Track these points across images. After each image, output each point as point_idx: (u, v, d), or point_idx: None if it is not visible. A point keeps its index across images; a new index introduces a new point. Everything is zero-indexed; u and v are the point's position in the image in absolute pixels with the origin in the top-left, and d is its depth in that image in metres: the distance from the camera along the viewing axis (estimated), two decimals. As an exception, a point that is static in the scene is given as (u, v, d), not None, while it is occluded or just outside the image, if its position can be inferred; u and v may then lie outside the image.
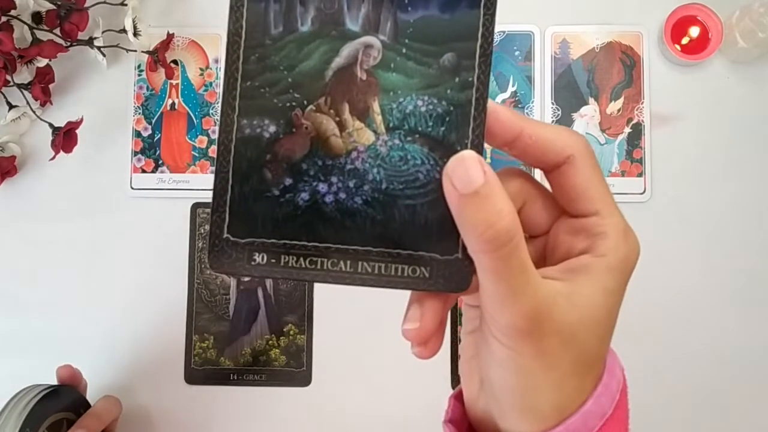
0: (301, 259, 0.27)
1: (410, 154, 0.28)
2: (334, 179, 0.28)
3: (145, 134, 0.69)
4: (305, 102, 0.28)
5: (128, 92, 0.70)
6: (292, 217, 0.27)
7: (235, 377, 0.67)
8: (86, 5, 0.65)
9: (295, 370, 0.66)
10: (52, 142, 0.64)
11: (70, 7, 0.64)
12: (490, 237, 0.25)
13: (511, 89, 0.68)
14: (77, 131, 0.65)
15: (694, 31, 0.67)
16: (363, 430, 0.66)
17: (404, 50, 0.28)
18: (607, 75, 0.68)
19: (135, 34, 0.66)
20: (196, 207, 0.69)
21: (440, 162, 0.27)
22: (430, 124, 0.27)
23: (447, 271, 0.27)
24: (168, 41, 0.67)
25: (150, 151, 0.69)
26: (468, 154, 0.26)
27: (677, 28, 0.67)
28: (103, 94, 0.70)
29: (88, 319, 0.67)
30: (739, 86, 0.68)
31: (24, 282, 0.68)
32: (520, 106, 0.68)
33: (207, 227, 0.68)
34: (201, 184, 0.68)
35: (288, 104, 0.28)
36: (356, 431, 0.66)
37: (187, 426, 0.66)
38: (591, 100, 0.68)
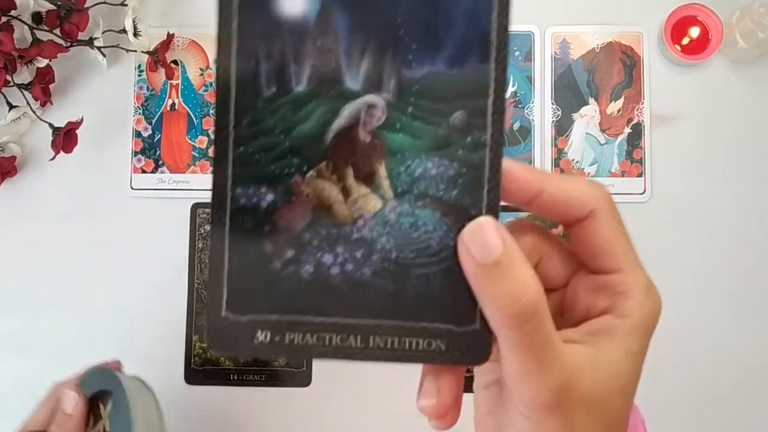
0: (308, 335, 0.25)
1: (421, 221, 0.26)
2: (339, 249, 0.26)
3: (145, 134, 0.69)
4: (305, 167, 0.25)
5: (128, 92, 0.70)
6: (296, 291, 0.25)
7: (235, 377, 0.67)
8: (86, 5, 0.65)
9: (295, 370, 0.66)
10: (52, 142, 0.64)
11: (70, 8, 0.64)
12: (516, 312, 0.24)
13: (511, 89, 0.68)
14: (77, 131, 0.65)
15: (694, 32, 0.67)
16: (363, 430, 0.66)
17: (410, 109, 0.26)
18: (607, 75, 0.68)
19: (135, 35, 0.66)
20: (196, 207, 0.69)
21: (454, 228, 0.25)
22: (442, 187, 0.26)
23: (465, 343, 0.25)
24: (168, 41, 0.67)
25: (150, 152, 0.69)
26: (485, 221, 0.25)
27: (677, 28, 0.67)
28: (103, 94, 0.70)
29: (87, 319, 0.67)
30: (739, 86, 0.68)
31: (24, 282, 0.67)
32: (520, 106, 0.68)
33: (207, 227, 0.68)
34: (201, 184, 0.68)
35: (286, 170, 0.25)
36: None
37: (187, 426, 0.66)
38: (591, 101, 0.68)
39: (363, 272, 0.25)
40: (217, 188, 0.25)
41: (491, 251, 0.24)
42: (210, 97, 0.69)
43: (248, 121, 0.25)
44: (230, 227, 0.25)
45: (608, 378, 0.25)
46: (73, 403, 0.39)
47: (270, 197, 0.25)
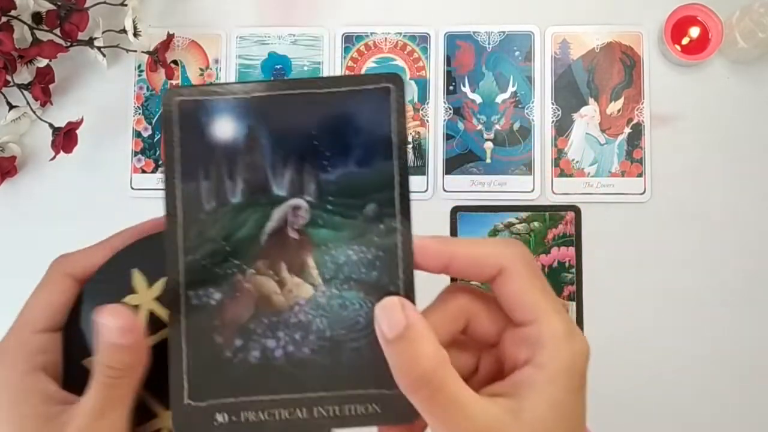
0: (260, 413, 0.29)
1: (348, 301, 0.29)
2: (281, 334, 0.29)
3: (145, 134, 0.69)
4: (245, 267, 0.29)
5: (128, 92, 0.70)
6: (246, 375, 0.29)
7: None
8: (86, 5, 0.65)
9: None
10: (52, 142, 0.64)
11: (70, 8, 0.64)
12: (412, 379, 0.27)
13: (511, 89, 0.68)
14: (77, 131, 0.65)
15: (694, 32, 0.67)
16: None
17: (329, 206, 0.29)
18: (607, 75, 0.68)
19: (135, 35, 0.66)
20: (196, 207, 0.69)
21: (376, 304, 0.29)
22: (363, 270, 0.29)
23: (397, 404, 0.28)
24: (168, 41, 0.67)
25: (150, 152, 0.69)
26: (389, 301, 0.28)
27: (677, 28, 0.67)
28: (103, 94, 0.70)
29: (88, 319, 0.67)
30: (739, 86, 0.68)
31: (24, 282, 0.67)
32: (520, 106, 0.68)
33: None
34: (201, 184, 0.68)
35: (229, 271, 0.29)
36: None
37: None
38: (591, 101, 0.68)
39: (303, 351, 0.29)
40: (172, 293, 0.30)
41: (394, 328, 0.27)
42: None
43: (194, 233, 0.30)
44: (185, 325, 0.29)
45: (532, 428, 0.27)
46: (123, 324, 0.30)
47: (217, 296, 0.29)
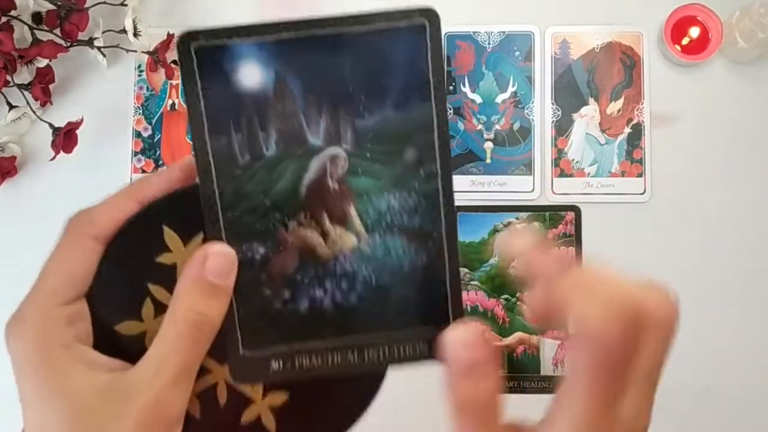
0: (313, 357, 0.29)
1: (392, 248, 0.29)
2: (327, 284, 0.29)
3: (145, 134, 0.69)
4: (287, 220, 0.29)
5: (128, 92, 0.70)
6: (297, 323, 0.29)
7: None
8: (86, 5, 0.65)
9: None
10: (52, 142, 0.64)
11: (70, 8, 0.64)
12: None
13: (511, 89, 0.68)
14: (77, 131, 0.65)
15: (694, 32, 0.67)
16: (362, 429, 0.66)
17: (368, 154, 0.29)
18: (607, 75, 0.68)
19: (135, 35, 0.66)
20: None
21: (420, 250, 0.29)
22: (405, 217, 0.29)
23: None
24: (168, 41, 0.67)
25: (150, 152, 0.69)
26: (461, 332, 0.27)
27: (677, 28, 0.67)
28: (103, 94, 0.70)
29: (88, 319, 0.67)
30: (739, 86, 0.68)
31: (24, 282, 0.67)
32: (520, 106, 0.68)
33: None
34: (201, 184, 0.68)
35: (271, 225, 0.29)
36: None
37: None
38: (591, 101, 0.68)
39: (350, 299, 0.29)
40: None
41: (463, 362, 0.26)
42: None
43: (231, 189, 0.29)
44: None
45: None
46: (228, 266, 0.29)
47: (261, 250, 0.29)
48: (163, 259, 0.31)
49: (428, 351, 0.29)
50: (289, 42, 0.28)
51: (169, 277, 0.30)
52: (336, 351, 0.29)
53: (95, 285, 0.31)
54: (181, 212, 0.31)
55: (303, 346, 0.29)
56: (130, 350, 0.30)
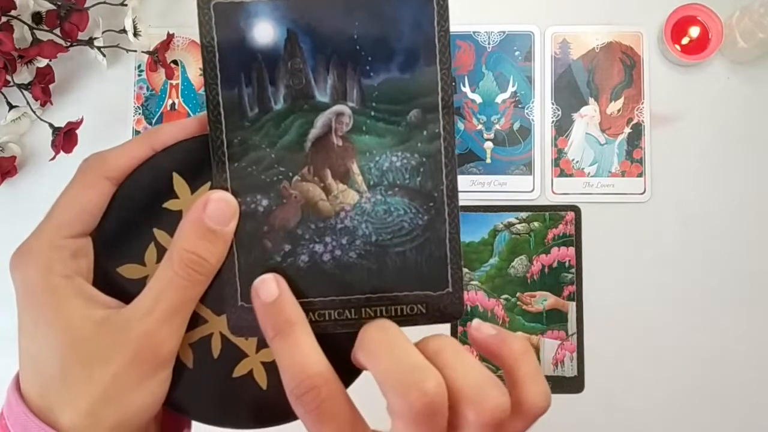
0: (310, 313, 0.29)
1: (393, 206, 0.30)
2: (328, 239, 0.30)
3: (145, 134, 0.69)
4: (290, 174, 0.30)
5: (128, 92, 0.70)
6: (296, 278, 0.30)
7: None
8: (86, 5, 0.65)
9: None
10: (52, 142, 0.64)
11: (70, 7, 0.64)
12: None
13: (511, 89, 0.68)
14: (77, 131, 0.65)
15: (694, 32, 0.67)
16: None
17: (373, 113, 0.29)
18: (607, 75, 0.68)
19: (135, 35, 0.66)
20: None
21: (421, 209, 0.30)
22: (407, 176, 0.30)
23: (441, 304, 0.30)
24: (168, 41, 0.67)
25: (150, 151, 0.69)
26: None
27: (677, 28, 0.67)
28: (103, 94, 0.70)
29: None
30: (739, 86, 0.68)
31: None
32: (520, 106, 0.68)
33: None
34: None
35: (275, 178, 0.30)
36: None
37: None
38: (591, 101, 0.68)
39: (350, 256, 0.30)
40: None
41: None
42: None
43: (239, 140, 0.29)
44: (235, 231, 0.30)
45: None
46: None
47: (265, 202, 0.30)
48: (170, 205, 0.31)
49: (425, 314, 0.30)
50: (302, 2, 0.29)
51: (174, 224, 0.30)
52: (333, 308, 0.30)
53: (102, 225, 0.32)
54: (191, 161, 0.31)
55: (301, 300, 0.29)
56: (128, 293, 0.30)
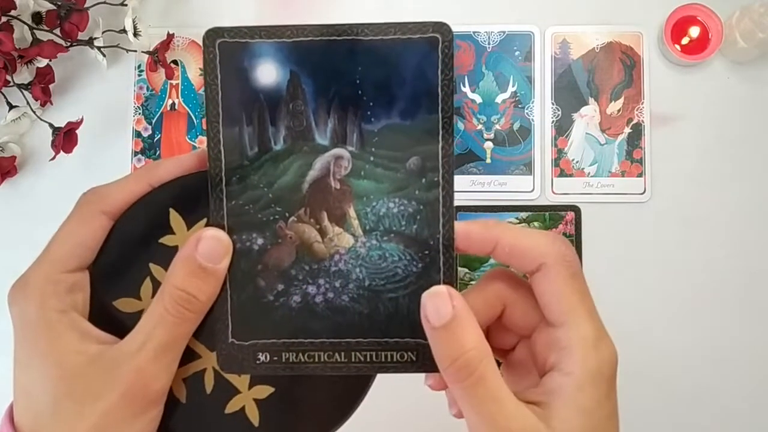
0: (300, 354, 0.30)
1: (388, 252, 0.30)
2: (321, 281, 0.30)
3: (145, 134, 0.69)
4: (287, 214, 0.30)
5: (128, 92, 0.70)
6: (287, 318, 0.30)
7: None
8: (86, 5, 0.65)
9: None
10: (52, 142, 0.64)
11: (70, 7, 0.64)
12: (453, 370, 0.27)
13: (511, 89, 0.68)
14: (77, 131, 0.65)
15: (694, 32, 0.67)
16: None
17: (372, 158, 0.30)
18: (607, 75, 0.68)
19: (135, 35, 0.66)
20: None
21: (416, 257, 0.30)
22: (403, 223, 0.30)
23: (431, 353, 0.29)
24: (168, 41, 0.67)
25: (150, 152, 0.69)
26: (437, 290, 0.28)
27: (677, 28, 0.67)
28: (103, 94, 0.70)
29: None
30: (739, 86, 0.68)
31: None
32: (520, 106, 0.68)
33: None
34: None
35: (272, 218, 0.30)
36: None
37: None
38: (591, 100, 0.68)
39: (342, 299, 0.30)
40: None
41: (441, 317, 0.27)
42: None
43: (237, 178, 0.30)
44: (230, 268, 0.30)
45: None
46: (220, 251, 0.29)
47: (260, 241, 0.30)
48: (167, 240, 0.32)
49: (416, 362, 0.30)
50: (306, 45, 0.29)
51: (170, 259, 0.30)
52: (323, 350, 0.30)
53: (99, 259, 0.32)
54: (188, 197, 0.31)
55: (291, 341, 0.30)
56: (124, 327, 0.30)
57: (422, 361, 0.30)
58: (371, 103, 0.29)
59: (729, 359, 0.65)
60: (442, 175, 0.30)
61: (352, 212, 0.30)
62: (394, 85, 0.29)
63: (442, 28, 0.29)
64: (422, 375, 0.31)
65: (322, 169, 0.30)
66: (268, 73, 0.30)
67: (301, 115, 0.30)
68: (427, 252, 0.30)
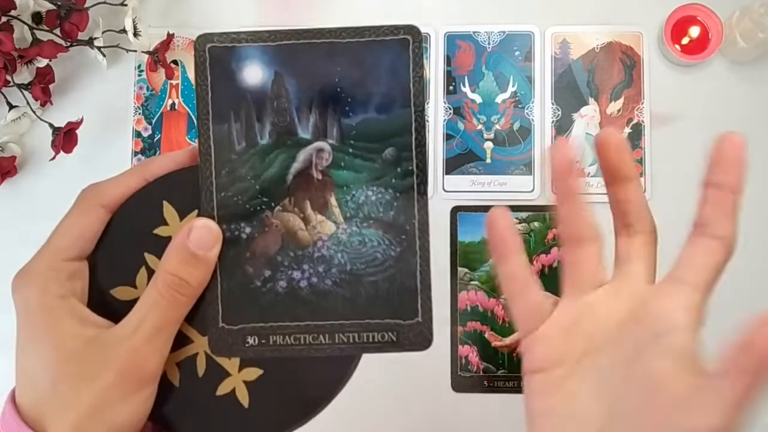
0: (287, 337, 0.31)
1: (367, 238, 0.32)
2: (305, 267, 0.32)
3: (145, 134, 0.69)
4: (273, 204, 0.32)
5: (128, 92, 0.70)
6: (274, 302, 0.32)
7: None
8: (86, 5, 0.65)
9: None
10: (52, 142, 0.64)
11: (70, 7, 0.64)
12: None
13: (511, 89, 0.68)
14: (77, 131, 0.65)
15: (694, 32, 0.67)
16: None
17: (351, 150, 0.32)
18: (607, 75, 0.68)
19: (135, 35, 0.66)
20: (196, 207, 0.69)
21: (394, 242, 0.31)
22: (381, 210, 0.32)
23: (411, 333, 0.31)
24: (168, 41, 0.67)
25: (150, 152, 0.69)
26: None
27: (677, 28, 0.67)
28: (103, 94, 0.70)
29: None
30: (739, 86, 0.68)
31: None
32: (520, 106, 0.68)
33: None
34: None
35: (258, 208, 0.32)
36: None
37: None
38: (591, 101, 0.68)
39: (325, 283, 0.31)
40: None
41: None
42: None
43: (226, 171, 0.32)
44: (220, 256, 0.32)
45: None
46: (210, 240, 0.31)
47: (248, 230, 0.32)
48: (161, 231, 0.33)
49: (396, 342, 0.31)
50: (289, 47, 0.32)
51: (164, 249, 0.32)
52: (308, 332, 0.31)
53: (97, 249, 0.33)
54: (181, 190, 0.33)
55: (278, 324, 0.31)
56: (120, 313, 0.32)
57: (402, 341, 0.31)
58: (349, 100, 0.32)
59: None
60: (416, 164, 0.31)
61: (333, 201, 0.32)
62: (370, 83, 0.32)
63: (412, 30, 0.31)
64: (405, 355, 0.32)
65: (304, 162, 0.32)
66: (254, 74, 0.32)
67: (285, 111, 0.32)
68: (404, 236, 0.31)
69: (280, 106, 0.32)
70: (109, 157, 0.69)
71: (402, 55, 0.31)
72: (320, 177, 0.32)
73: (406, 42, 0.31)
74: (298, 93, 0.32)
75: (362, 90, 0.32)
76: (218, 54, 0.32)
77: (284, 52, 0.32)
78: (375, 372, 0.63)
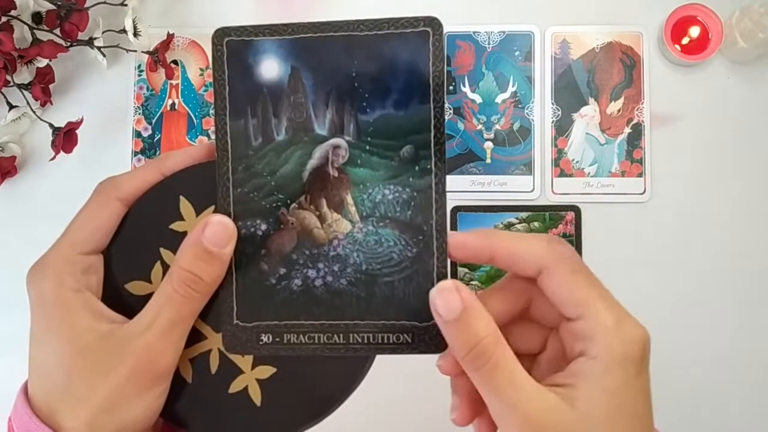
0: (301, 335, 0.31)
1: (384, 238, 0.31)
2: (321, 265, 0.31)
3: (145, 134, 0.69)
4: (288, 201, 0.31)
5: (128, 92, 0.70)
6: (289, 300, 0.31)
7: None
8: (86, 5, 0.65)
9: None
10: (52, 142, 0.64)
11: (70, 7, 0.64)
12: (470, 359, 0.28)
13: (511, 89, 0.68)
14: (77, 131, 0.65)
15: (694, 32, 0.67)
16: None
17: (368, 147, 0.31)
18: (607, 75, 0.68)
19: (135, 35, 0.66)
20: (196, 207, 0.69)
21: (410, 242, 0.31)
22: (398, 209, 0.31)
23: (426, 335, 0.30)
24: (168, 41, 0.67)
25: (150, 152, 0.69)
26: (445, 285, 0.29)
27: (677, 28, 0.67)
28: (103, 94, 0.70)
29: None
30: (739, 86, 0.68)
31: (24, 282, 0.67)
32: (520, 106, 0.68)
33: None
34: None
35: (274, 205, 0.31)
36: None
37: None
38: (591, 101, 0.68)
39: (340, 282, 0.31)
40: None
41: (451, 311, 0.28)
42: (209, 97, 0.69)
43: (242, 167, 0.31)
44: (235, 253, 0.31)
45: (586, 417, 0.27)
46: (225, 236, 0.30)
47: (264, 227, 0.31)
48: (176, 226, 0.33)
49: (411, 344, 0.30)
50: (306, 41, 0.31)
51: (179, 244, 0.31)
52: (322, 332, 0.31)
53: (113, 243, 0.33)
54: (198, 186, 0.33)
55: (292, 323, 0.31)
56: (134, 308, 0.31)
57: (417, 342, 0.30)
58: (367, 95, 0.31)
59: (729, 359, 0.65)
60: (434, 163, 0.30)
61: (349, 199, 0.31)
62: (388, 78, 0.31)
63: (432, 22, 0.30)
64: (420, 356, 0.32)
65: (321, 158, 0.31)
66: (270, 68, 0.31)
67: (302, 107, 0.31)
68: (421, 237, 0.30)
69: (296, 101, 0.31)
70: (109, 157, 0.69)
71: (422, 48, 0.30)
72: (336, 174, 0.31)
73: (426, 35, 0.30)
74: (314, 88, 0.31)
75: (380, 85, 0.31)
76: (236, 48, 0.31)
77: (301, 46, 0.31)
78: (387, 372, 0.63)
